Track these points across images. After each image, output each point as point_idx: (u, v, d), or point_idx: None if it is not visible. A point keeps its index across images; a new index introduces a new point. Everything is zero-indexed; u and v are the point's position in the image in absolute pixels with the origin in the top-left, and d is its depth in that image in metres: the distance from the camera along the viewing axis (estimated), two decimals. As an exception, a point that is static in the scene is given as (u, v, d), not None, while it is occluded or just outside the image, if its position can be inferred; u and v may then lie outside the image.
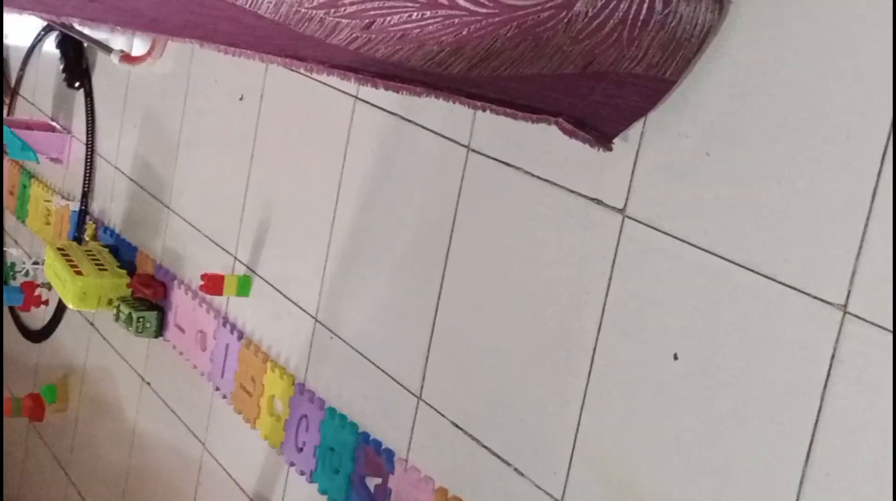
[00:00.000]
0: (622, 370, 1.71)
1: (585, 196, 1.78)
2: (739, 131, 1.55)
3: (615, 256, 1.72)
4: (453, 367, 2.05)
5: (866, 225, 1.39)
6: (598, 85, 1.61)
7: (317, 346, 2.45)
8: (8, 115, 4.26)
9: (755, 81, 1.53)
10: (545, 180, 1.86)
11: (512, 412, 1.91)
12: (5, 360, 4.26)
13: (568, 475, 1.79)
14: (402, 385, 2.17)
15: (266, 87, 2.69)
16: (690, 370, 1.60)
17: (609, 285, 1.73)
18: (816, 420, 1.43)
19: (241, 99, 2.78)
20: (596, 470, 1.74)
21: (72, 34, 3.65)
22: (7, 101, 4.35)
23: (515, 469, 1.89)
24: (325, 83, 2.42)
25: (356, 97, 2.34)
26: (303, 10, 1.38)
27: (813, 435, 1.44)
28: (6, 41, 4.42)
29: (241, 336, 2.73)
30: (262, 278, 2.67)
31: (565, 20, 1.48)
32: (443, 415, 2.06)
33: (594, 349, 1.76)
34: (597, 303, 1.75)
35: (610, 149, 1.69)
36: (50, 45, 3.98)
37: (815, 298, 1.44)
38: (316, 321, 2.45)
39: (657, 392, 1.65)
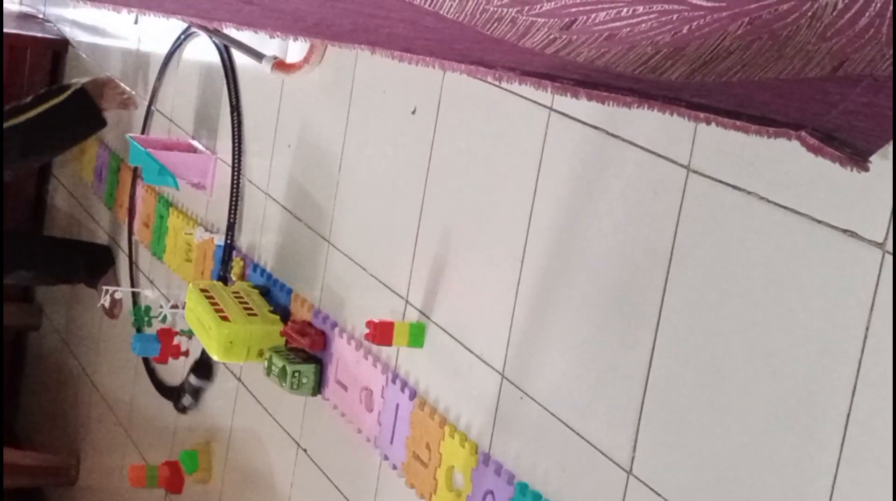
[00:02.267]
0: (882, 440, 1.68)
1: (836, 227, 1.76)
2: None
3: (873, 301, 1.70)
4: (671, 435, 2.04)
5: None
6: (850, 91, 1.59)
7: (504, 408, 2.46)
8: (143, 133, 4.40)
9: None
10: (784, 208, 1.84)
11: (744, 490, 1.89)
12: (139, 421, 4.39)
13: (815, 569, 1.77)
14: (608, 457, 2.17)
15: (443, 98, 2.72)
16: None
17: (866, 336, 1.71)
18: None
19: (413, 112, 2.82)
20: (850, 565, 1.72)
21: (217, 39, 3.75)
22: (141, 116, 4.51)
23: (749, 562, 1.87)
24: (514, 93, 2.44)
25: (551, 108, 2.36)
26: (492, 8, 1.41)
27: None
28: (140, 47, 4.58)
29: (413, 395, 2.76)
30: (437, 325, 2.69)
31: (809, 13, 1.47)
32: (658, 494, 2.05)
33: (847, 415, 1.73)
34: (851, 358, 1.72)
35: (866, 169, 1.67)
36: (191, 51, 4.10)
37: None
38: (503, 377, 2.47)
39: (927, 469, 1.61)
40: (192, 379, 3.87)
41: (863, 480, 1.71)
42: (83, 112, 4.47)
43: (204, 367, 3.87)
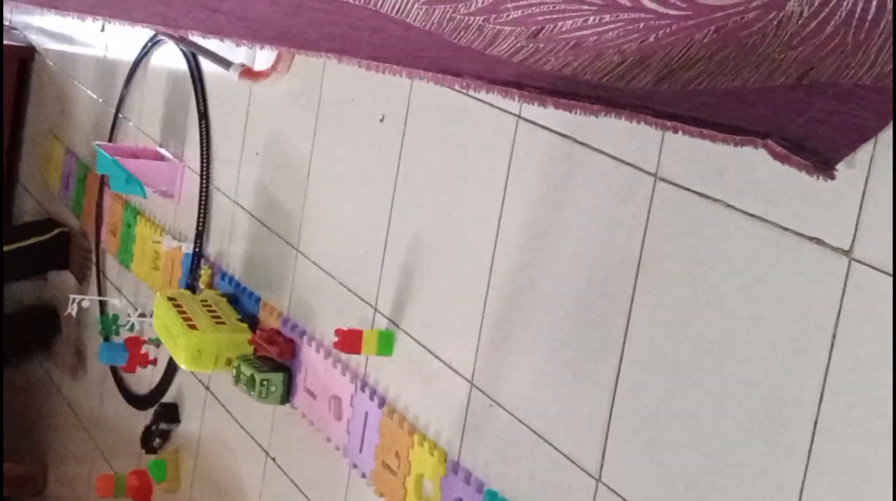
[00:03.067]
0: (851, 447, 1.68)
1: (802, 235, 1.77)
2: None
3: (840, 307, 1.71)
4: (640, 442, 2.05)
5: None
6: (816, 99, 1.60)
7: (473, 416, 2.47)
8: (110, 141, 4.39)
9: None
10: (751, 215, 1.85)
11: (713, 498, 1.89)
12: (107, 430, 4.37)
13: (783, 576, 1.78)
14: (577, 465, 2.17)
15: (411, 106, 2.73)
16: (936, 449, 1.57)
17: (833, 344, 1.71)
18: None
19: (381, 120, 2.83)
20: (818, 571, 1.73)
21: (185, 46, 3.75)
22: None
23: (717, 569, 1.88)
24: (482, 101, 2.45)
25: (519, 117, 2.36)
26: (458, 16, 1.41)
27: None
28: (107, 55, 4.57)
29: (382, 403, 2.76)
30: (406, 333, 2.70)
31: (775, 22, 1.48)
32: (627, 501, 2.06)
33: (815, 422, 1.74)
34: (818, 365, 1.73)
35: (832, 177, 1.68)
36: (158, 59, 4.10)
37: None
38: (472, 385, 2.47)
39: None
40: (162, 425, 3.87)
41: (831, 486, 1.72)
42: (57, 255, 4.83)
43: (170, 409, 3.88)
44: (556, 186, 2.28)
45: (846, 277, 1.70)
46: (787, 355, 1.78)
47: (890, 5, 1.50)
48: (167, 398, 3.90)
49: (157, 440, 3.89)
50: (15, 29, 5.63)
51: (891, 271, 1.64)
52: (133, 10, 1.35)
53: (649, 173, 2.04)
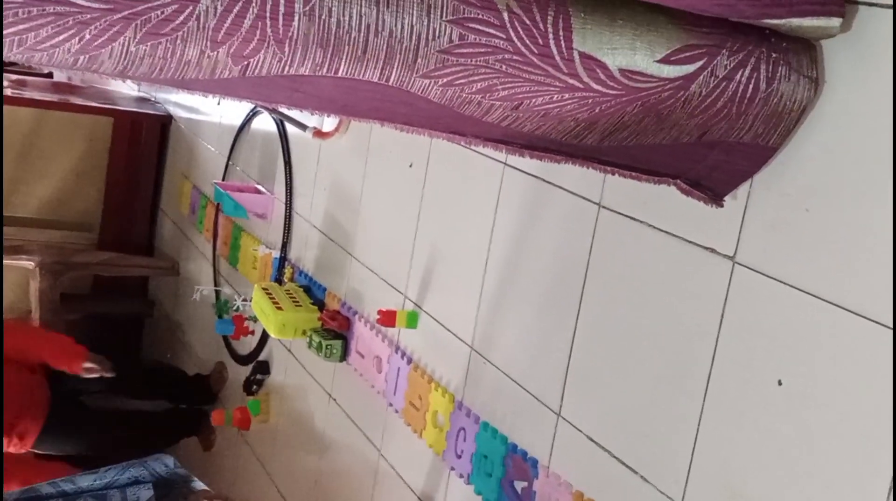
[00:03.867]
0: (733, 393, 1.68)
1: (701, 246, 1.76)
2: (834, 190, 1.52)
3: (726, 296, 1.70)
4: (588, 389, 2.04)
5: (947, 270, 1.35)
6: (710, 152, 1.60)
7: (472, 370, 2.46)
8: (223, 179, 4.39)
9: (846, 148, 1.50)
10: (666, 232, 1.84)
11: (639, 428, 1.89)
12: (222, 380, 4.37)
13: (687, 481, 1.77)
14: (544, 404, 2.16)
15: (431, 156, 2.73)
16: (792, 394, 1.56)
17: (721, 321, 1.71)
18: (905, 439, 1.39)
19: (410, 166, 2.82)
20: (711, 479, 1.72)
21: (275, 115, 3.76)
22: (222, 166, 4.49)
23: (642, 477, 1.87)
24: (479, 153, 2.45)
25: (505, 164, 2.36)
26: (464, 95, 1.41)
27: (902, 452, 1.39)
28: (222, 121, 4.58)
29: (410, 361, 2.76)
30: (427, 313, 2.69)
31: (683, 99, 1.48)
32: (579, 430, 2.05)
33: (709, 375, 1.73)
34: (711, 336, 1.73)
35: (722, 206, 1.68)
36: (258, 123, 4.10)
37: (903, 333, 1.40)
38: (472, 349, 2.47)
39: (763, 412, 1.62)
40: (258, 375, 3.87)
41: (720, 418, 1.71)
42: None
43: (263, 365, 3.86)
44: (530, 212, 2.28)
45: (731, 275, 1.70)
46: (691, 329, 1.78)
47: (763, 86, 1.50)
48: (262, 357, 3.90)
49: (255, 386, 3.89)
50: (158, 102, 5.64)
51: (764, 271, 1.64)
52: (239, 89, 1.35)
53: (595, 203, 2.04)
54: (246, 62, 1.28)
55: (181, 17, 1.22)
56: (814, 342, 1.53)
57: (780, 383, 1.58)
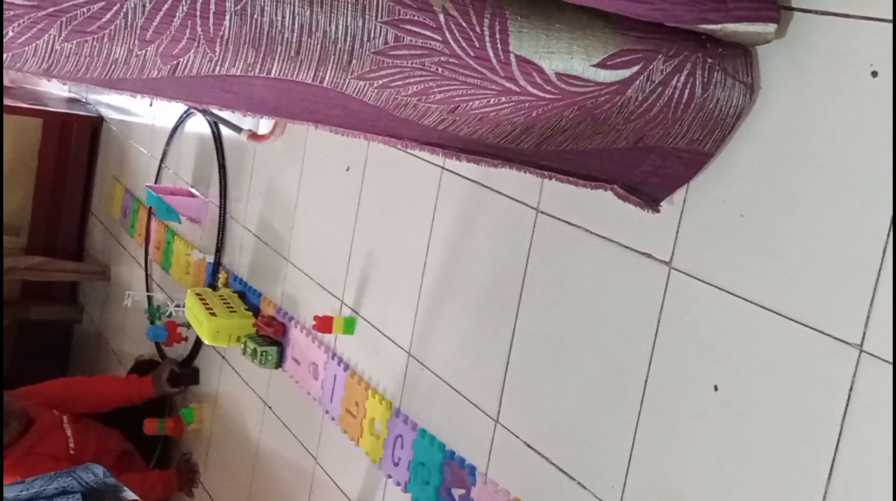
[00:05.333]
0: (669, 398, 1.69)
1: (637, 251, 1.78)
2: (769, 196, 1.54)
3: (663, 301, 1.72)
4: (525, 395, 2.04)
5: (879, 274, 1.37)
6: (646, 157, 1.61)
7: (410, 376, 2.46)
8: (156, 182, 4.34)
9: (781, 154, 1.52)
10: (603, 237, 1.85)
11: (576, 434, 1.90)
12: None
13: (624, 488, 1.78)
14: (481, 410, 2.17)
15: (368, 160, 2.72)
16: (728, 400, 1.58)
17: (658, 326, 1.72)
18: (837, 444, 1.41)
19: (347, 170, 2.81)
20: (648, 485, 1.73)
21: (209, 117, 3.72)
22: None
23: (579, 483, 1.88)
24: (417, 156, 2.44)
25: (443, 168, 2.36)
26: (400, 97, 1.40)
27: (834, 457, 1.41)
28: (154, 123, 4.53)
29: (346, 368, 2.74)
30: (364, 319, 2.68)
31: (619, 103, 1.49)
32: (517, 436, 2.05)
33: (645, 381, 1.74)
34: (647, 341, 1.74)
35: (658, 211, 1.69)
36: (192, 125, 4.06)
37: (835, 338, 1.42)
38: (409, 355, 2.46)
39: (700, 418, 1.63)
40: (185, 374, 3.84)
41: (656, 424, 1.73)
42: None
43: (194, 372, 3.84)
44: (468, 216, 2.28)
45: (667, 280, 1.71)
46: (627, 335, 1.79)
47: (698, 92, 1.51)
48: (195, 363, 3.86)
49: (182, 382, 3.85)
50: (88, 103, 5.56)
51: (700, 277, 1.65)
52: (169, 90, 1.33)
53: (532, 208, 2.05)
54: (175, 62, 1.26)
55: (108, 15, 1.20)
56: (749, 347, 1.55)
57: (716, 389, 1.60)
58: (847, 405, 1.40)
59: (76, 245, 5.54)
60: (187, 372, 3.86)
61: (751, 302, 1.55)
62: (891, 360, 1.35)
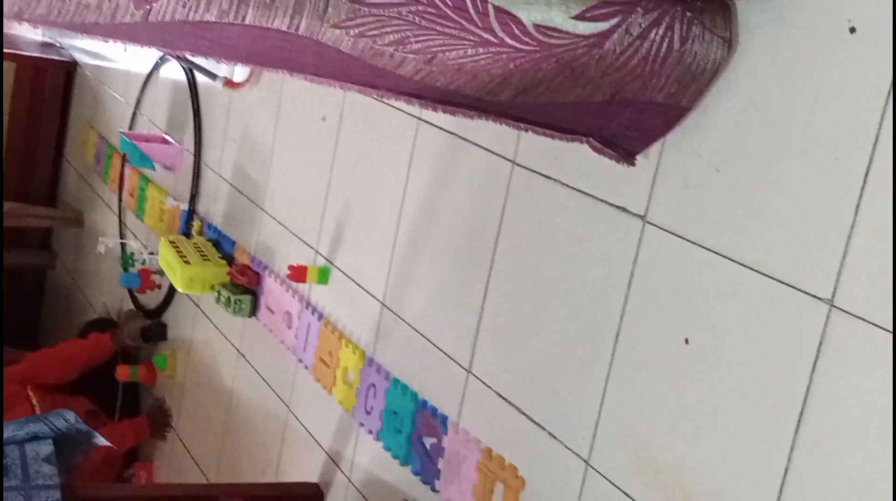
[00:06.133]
0: (641, 351, 1.70)
1: (612, 204, 1.77)
2: (744, 151, 1.53)
3: (636, 254, 1.72)
4: (498, 346, 2.05)
5: (851, 231, 1.38)
6: (623, 111, 1.60)
7: (383, 326, 2.46)
8: (130, 129, 4.30)
9: (758, 109, 1.52)
10: (578, 190, 1.85)
11: (547, 384, 1.91)
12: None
13: (594, 438, 1.79)
14: (454, 361, 2.17)
15: (344, 109, 2.70)
16: (698, 352, 1.59)
17: (631, 280, 1.73)
18: (805, 396, 1.42)
19: (323, 119, 2.79)
20: (618, 436, 1.74)
21: (184, 63, 3.68)
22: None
23: (549, 433, 1.89)
24: (393, 107, 2.43)
25: (419, 119, 2.35)
26: (376, 46, 1.39)
27: (803, 409, 1.42)
28: (129, 69, 4.47)
29: (320, 317, 2.74)
30: (339, 269, 2.68)
31: (597, 56, 1.48)
32: (489, 386, 2.06)
33: (617, 334, 1.75)
34: (620, 294, 1.74)
35: (633, 164, 1.69)
36: (167, 71, 4.02)
37: (806, 293, 1.43)
38: (383, 305, 2.46)
39: (670, 370, 1.64)
40: (154, 327, 3.85)
41: (627, 376, 1.73)
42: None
43: (161, 326, 3.84)
44: (444, 168, 2.27)
45: (641, 234, 1.71)
46: (600, 288, 1.79)
47: (676, 46, 1.50)
48: (169, 311, 3.85)
49: (154, 342, 3.86)
50: (63, 48, 5.48)
51: (674, 231, 1.65)
52: (142, 36, 1.31)
53: (509, 160, 2.04)
54: (149, 6, 1.23)
55: (80, -42, 1.17)
56: (721, 301, 1.55)
57: (687, 341, 1.61)
58: (816, 358, 1.41)
59: (50, 191, 5.50)
60: (155, 326, 3.85)
61: (724, 256, 1.55)
62: (862, 315, 1.36)
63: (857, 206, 1.37)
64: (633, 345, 1.72)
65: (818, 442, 1.40)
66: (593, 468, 1.78)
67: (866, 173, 1.36)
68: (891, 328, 1.32)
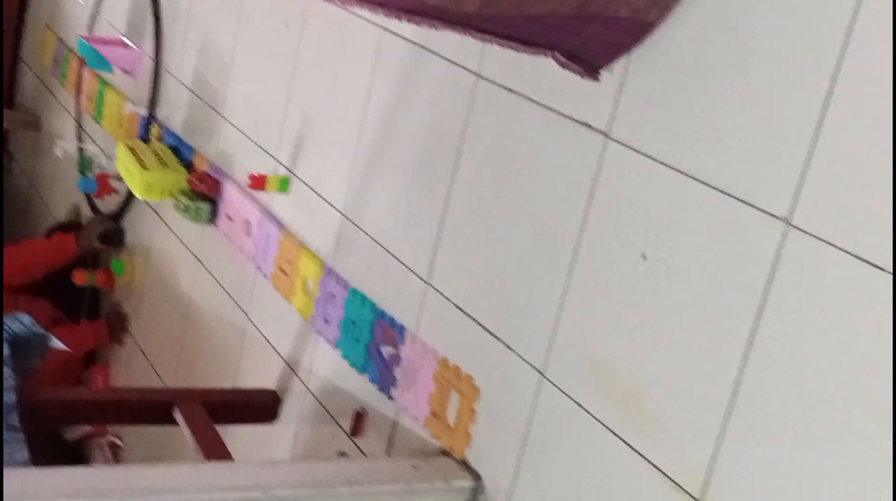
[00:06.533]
0: (598, 265, 1.71)
1: (575, 120, 1.77)
2: (708, 69, 1.53)
3: (598, 170, 1.72)
4: (457, 258, 2.06)
5: (811, 151, 1.38)
6: (589, 24, 1.59)
7: (343, 236, 2.45)
8: (89, 32, 4.21)
9: (723, 27, 1.51)
10: (542, 105, 1.84)
11: (505, 297, 1.92)
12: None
13: (550, 351, 1.81)
14: (413, 272, 2.18)
15: (307, 17, 2.65)
16: (655, 267, 1.60)
17: (591, 194, 1.73)
18: (759, 312, 1.44)
19: (286, 27, 2.74)
20: (574, 348, 1.76)
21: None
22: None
23: (505, 345, 1.91)
24: (357, 15, 2.39)
25: (383, 28, 2.31)
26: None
27: (755, 324, 1.44)
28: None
29: (281, 227, 2.73)
30: (299, 178, 2.66)
31: (565, -33, 1.45)
32: (447, 298, 2.07)
33: (575, 248, 1.76)
34: (579, 209, 1.75)
35: (597, 79, 1.68)
36: (124, -27, 3.92)
37: (762, 210, 1.44)
38: (343, 216, 2.45)
39: (627, 284, 1.65)
40: (111, 241, 3.81)
41: (584, 289, 1.75)
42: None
43: (119, 232, 3.81)
44: (407, 78, 2.24)
45: (603, 149, 1.71)
46: (560, 203, 1.80)
47: (644, -40, 1.48)
48: (127, 215, 3.82)
49: (111, 239, 3.83)
50: (18, -54, 5.32)
51: (636, 147, 1.65)
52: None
53: (473, 72, 2.02)
54: None
55: None
56: (679, 218, 1.56)
57: (644, 257, 1.62)
58: (771, 276, 1.42)
59: (6, 93, 5.38)
60: (115, 230, 3.82)
61: (684, 173, 1.55)
62: (818, 235, 1.37)
63: (819, 123, 1.37)
64: (591, 259, 1.73)
65: (770, 356, 1.43)
66: (548, 379, 1.80)
67: (829, 94, 1.36)
68: (846, 248, 1.34)
